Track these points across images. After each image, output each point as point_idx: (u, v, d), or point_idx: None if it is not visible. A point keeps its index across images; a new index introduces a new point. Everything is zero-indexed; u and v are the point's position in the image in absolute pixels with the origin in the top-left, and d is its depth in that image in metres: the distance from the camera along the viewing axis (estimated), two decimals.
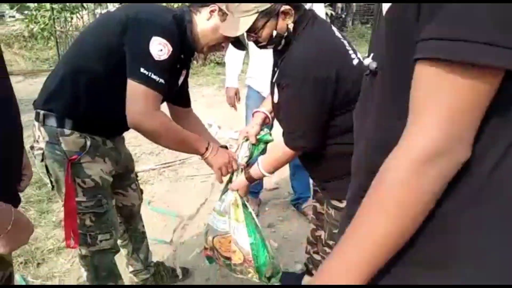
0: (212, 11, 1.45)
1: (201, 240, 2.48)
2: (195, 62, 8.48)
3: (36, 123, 1.45)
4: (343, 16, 18.88)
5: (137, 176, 1.91)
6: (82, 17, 8.61)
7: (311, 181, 2.36)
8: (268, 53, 1.59)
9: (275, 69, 1.46)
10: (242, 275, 1.64)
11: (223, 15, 1.43)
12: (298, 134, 1.39)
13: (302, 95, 1.30)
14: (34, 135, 1.47)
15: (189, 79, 1.75)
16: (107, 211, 1.56)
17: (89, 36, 1.46)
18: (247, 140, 1.62)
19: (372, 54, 0.77)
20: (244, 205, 1.58)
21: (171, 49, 1.33)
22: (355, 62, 1.37)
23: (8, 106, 0.89)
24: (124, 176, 1.77)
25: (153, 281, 2.07)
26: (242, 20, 1.27)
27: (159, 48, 1.30)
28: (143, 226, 2.01)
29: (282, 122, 1.48)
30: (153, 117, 1.35)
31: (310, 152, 1.47)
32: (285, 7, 1.29)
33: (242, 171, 1.60)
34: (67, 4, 8.29)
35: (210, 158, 1.56)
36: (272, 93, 1.51)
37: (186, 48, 1.48)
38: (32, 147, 1.49)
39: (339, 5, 18.96)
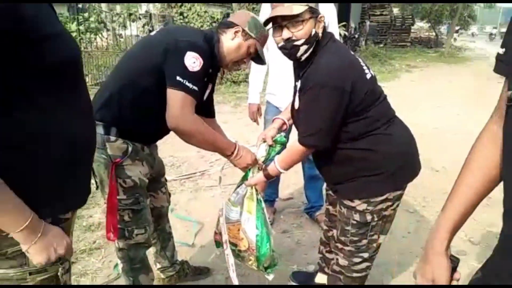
0: (236, 32, 1.68)
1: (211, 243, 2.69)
2: None
3: None
4: (356, 36, 19.18)
5: (166, 181, 2.12)
6: (105, 38, 9.07)
7: (324, 190, 2.54)
8: (286, 72, 1.80)
9: (298, 79, 1.63)
10: (242, 262, 1.82)
11: (246, 35, 1.67)
12: (311, 132, 1.53)
13: (320, 99, 1.47)
14: None
15: None
16: (143, 209, 1.76)
17: (133, 58, 1.69)
18: (264, 141, 1.82)
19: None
20: (259, 201, 1.75)
21: (202, 62, 1.54)
22: (368, 76, 1.56)
23: (91, 115, 1.11)
24: (156, 180, 1.96)
25: (178, 278, 2.25)
26: (295, 7, 1.43)
27: (193, 61, 1.51)
28: (170, 227, 2.20)
29: (299, 126, 1.65)
30: (189, 119, 1.55)
31: (325, 156, 1.65)
32: (321, 15, 1.50)
33: (259, 169, 1.78)
34: (91, 25, 8.72)
35: (237, 158, 1.75)
36: (293, 100, 1.68)
37: (213, 64, 1.70)
38: None
39: (352, 25, 19.30)
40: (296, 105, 1.62)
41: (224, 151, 1.74)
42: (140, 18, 8.42)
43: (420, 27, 27.23)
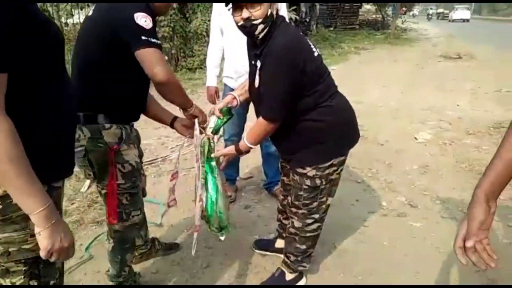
0: None
1: (186, 222, 2.87)
2: None
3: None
4: (307, 20, 19.55)
5: (142, 163, 2.21)
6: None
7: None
8: (241, 55, 1.96)
9: (257, 58, 1.77)
10: (206, 223, 1.98)
11: None
12: (271, 106, 1.70)
13: (278, 74, 1.65)
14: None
15: None
16: (139, 191, 1.89)
17: (85, 42, 1.70)
18: (213, 114, 1.97)
19: None
20: (211, 167, 1.88)
21: (150, 17, 1.58)
22: (316, 55, 1.77)
23: (72, 99, 1.24)
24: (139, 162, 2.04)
25: (149, 254, 2.41)
26: None
27: (144, 20, 1.55)
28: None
29: (261, 102, 1.80)
30: (169, 71, 1.62)
31: (280, 130, 1.81)
32: None
33: (209, 140, 1.91)
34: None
35: (194, 111, 1.89)
36: (253, 79, 1.83)
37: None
38: None
39: (303, 9, 19.61)
40: (257, 83, 1.79)
41: (187, 103, 1.85)
42: (89, 5, 8.17)
43: (368, 9, 28.13)
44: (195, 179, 1.89)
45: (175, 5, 9.45)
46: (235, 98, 2.03)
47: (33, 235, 1.11)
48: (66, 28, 9.09)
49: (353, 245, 2.58)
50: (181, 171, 3.75)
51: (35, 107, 1.07)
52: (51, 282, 1.24)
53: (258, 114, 1.86)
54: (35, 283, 1.19)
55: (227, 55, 2.86)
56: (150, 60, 1.56)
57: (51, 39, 1.09)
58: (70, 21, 8.73)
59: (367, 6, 27.24)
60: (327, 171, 1.87)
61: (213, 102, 2.99)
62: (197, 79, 8.27)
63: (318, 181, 1.88)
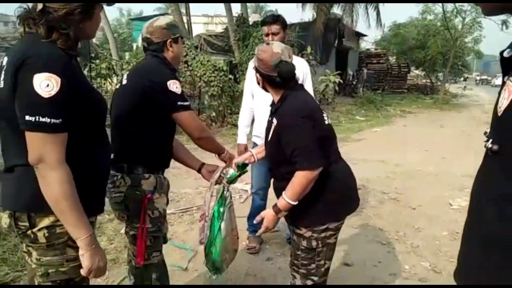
0: (169, 45, 2.00)
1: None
2: (213, 124, 9.36)
3: (119, 174, 1.95)
4: (354, 83, 20.04)
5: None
6: (114, 83, 9.72)
7: None
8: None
9: (272, 116, 2.01)
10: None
11: (175, 39, 2.01)
12: (307, 154, 1.78)
13: (297, 125, 1.81)
14: (114, 183, 1.96)
15: None
16: (161, 235, 2.11)
17: (119, 106, 2.03)
18: (230, 166, 2.23)
19: (491, 139, 0.96)
20: (218, 211, 2.11)
21: (178, 82, 1.91)
22: (326, 122, 1.96)
23: (108, 155, 1.55)
24: None
25: None
26: None
27: (175, 86, 1.87)
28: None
29: (272, 155, 2.02)
30: (203, 127, 2.01)
31: (281, 188, 1.93)
32: None
33: (224, 188, 2.16)
34: (102, 72, 9.37)
35: (226, 157, 2.20)
36: (268, 134, 2.03)
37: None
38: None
39: (350, 72, 20.19)
40: (269, 138, 2.00)
41: (221, 150, 2.19)
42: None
43: (417, 74, 28.30)
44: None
45: (225, 67, 10.25)
46: (252, 155, 2.26)
47: (68, 260, 1.37)
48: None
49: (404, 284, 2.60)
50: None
51: (81, 159, 1.36)
52: None
53: (270, 168, 2.06)
54: None
55: (256, 116, 3.16)
56: (188, 122, 1.94)
57: (97, 106, 1.42)
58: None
59: (416, 71, 27.42)
60: (323, 234, 1.93)
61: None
62: None
63: (314, 243, 1.94)
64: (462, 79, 33.09)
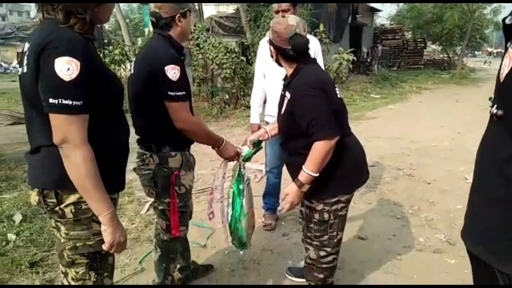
0: (178, 20, 2.00)
1: (227, 245, 3.12)
2: (227, 106, 9.41)
3: (148, 152, 2.06)
4: (369, 60, 19.71)
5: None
6: (128, 69, 9.83)
7: None
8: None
9: (284, 89, 2.04)
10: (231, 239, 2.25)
11: (184, 14, 2.00)
12: (323, 124, 1.80)
13: (312, 96, 1.84)
14: (144, 161, 2.08)
15: (221, 121, 2.44)
16: (188, 210, 2.21)
17: (132, 85, 2.07)
18: (245, 144, 2.25)
19: (495, 105, 1.01)
20: (238, 189, 2.16)
21: (179, 67, 1.89)
22: (339, 95, 2.00)
23: (127, 133, 1.62)
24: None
25: (193, 276, 2.63)
26: None
27: (173, 72, 1.87)
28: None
29: (284, 129, 2.06)
30: (188, 122, 1.97)
31: (293, 162, 2.01)
32: None
33: (240, 167, 2.19)
34: (115, 58, 9.46)
35: (222, 150, 2.17)
36: (281, 107, 2.07)
37: (180, 51, 2.05)
38: (135, 169, 2.17)
39: (365, 50, 19.84)
40: (282, 111, 2.04)
41: (214, 145, 2.17)
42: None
43: (434, 49, 27.62)
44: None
45: (237, 48, 10.21)
46: (266, 132, 2.30)
47: (95, 234, 1.46)
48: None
49: (382, 277, 2.67)
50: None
51: (100, 139, 1.42)
52: (105, 274, 1.58)
53: (282, 143, 2.12)
54: (94, 274, 1.52)
55: (268, 96, 3.20)
56: (173, 112, 1.94)
57: (114, 88, 1.49)
58: None
59: (432, 46, 26.76)
60: (334, 207, 2.00)
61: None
62: None
63: (326, 215, 2.01)
64: (481, 52, 32.21)
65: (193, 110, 2.17)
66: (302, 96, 1.89)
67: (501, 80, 0.97)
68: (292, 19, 1.93)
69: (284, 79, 2.12)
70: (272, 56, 2.06)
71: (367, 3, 17.09)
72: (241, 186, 2.16)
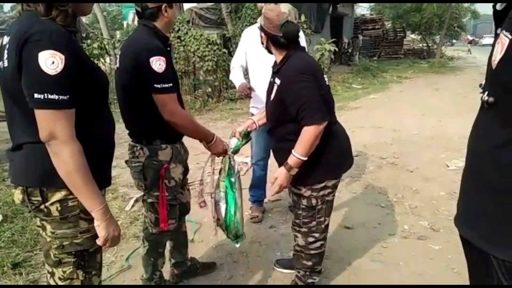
0: (165, 10, 1.95)
1: (215, 239, 3.12)
2: (210, 99, 9.35)
3: (138, 145, 2.05)
4: (350, 50, 19.81)
5: (187, 179, 2.47)
6: (108, 62, 9.64)
7: None
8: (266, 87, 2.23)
9: (274, 76, 2.05)
10: (223, 233, 2.25)
11: (169, 4, 1.96)
12: (314, 108, 1.82)
13: (301, 81, 1.86)
14: (134, 154, 2.06)
15: (205, 115, 2.41)
16: (177, 203, 2.19)
17: (119, 78, 2.03)
18: (234, 136, 2.24)
19: (487, 92, 1.02)
20: (230, 182, 2.14)
21: (164, 58, 1.83)
22: (326, 83, 2.02)
23: (112, 127, 1.58)
24: (184, 177, 2.28)
25: (189, 273, 2.60)
26: None
27: (158, 63, 1.81)
28: (185, 226, 2.56)
29: (273, 115, 2.06)
30: (177, 114, 1.92)
31: (280, 149, 2.04)
32: None
33: (230, 159, 2.17)
34: (94, 52, 9.26)
35: (212, 145, 2.13)
36: (270, 94, 2.07)
37: (165, 43, 2.00)
38: (126, 161, 2.15)
39: (346, 40, 19.93)
40: (272, 97, 2.04)
41: (204, 139, 2.12)
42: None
43: (413, 38, 27.95)
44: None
45: (218, 40, 10.12)
46: (254, 122, 2.30)
47: (82, 232, 1.43)
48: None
49: (369, 264, 2.71)
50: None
51: (86, 133, 1.38)
52: (93, 272, 1.54)
53: (270, 129, 2.13)
54: (81, 273, 1.49)
55: (254, 85, 3.17)
56: (162, 103, 1.90)
57: (99, 81, 1.45)
58: None
59: (412, 36, 27.08)
60: (321, 192, 2.04)
61: (248, 94, 3.09)
62: (238, 109, 8.69)
63: (314, 201, 2.05)
64: (459, 41, 32.67)
65: (183, 103, 2.13)
66: (293, 81, 1.90)
67: (493, 67, 0.97)
68: (284, 7, 1.94)
69: (273, 66, 2.13)
70: (262, 43, 2.07)
71: None
72: (232, 179, 2.15)
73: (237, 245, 2.24)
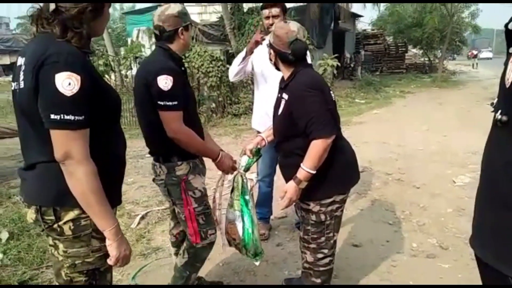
0: (181, 33, 2.04)
1: (222, 257, 3.09)
2: (214, 115, 9.39)
3: (157, 163, 2.11)
4: (352, 65, 19.93)
5: None
6: (113, 79, 9.75)
7: None
8: (270, 104, 2.26)
9: (281, 92, 2.09)
10: (240, 252, 2.23)
11: (186, 27, 2.05)
12: (322, 123, 1.87)
13: (310, 96, 1.90)
14: (156, 172, 2.14)
15: (209, 130, 2.44)
16: (211, 212, 2.20)
17: (136, 97, 2.14)
18: (245, 153, 2.25)
19: (500, 110, 1.01)
20: (245, 201, 2.14)
21: (172, 77, 1.90)
22: (333, 98, 2.05)
23: (123, 147, 1.59)
24: None
25: None
26: None
27: (164, 82, 1.90)
28: None
29: (281, 130, 2.09)
30: (180, 132, 1.97)
31: (287, 164, 2.06)
32: None
33: (242, 177, 2.18)
34: (99, 68, 9.38)
35: (219, 163, 2.17)
36: (277, 109, 2.11)
37: (180, 64, 2.10)
38: (154, 180, 2.20)
39: (348, 55, 20.06)
40: (279, 112, 2.07)
41: (209, 157, 2.16)
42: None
43: (415, 53, 28.13)
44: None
45: (222, 56, 10.21)
46: (263, 139, 2.32)
47: (94, 251, 1.43)
48: (126, 79, 10.14)
49: (378, 283, 2.67)
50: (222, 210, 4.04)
51: (101, 151, 1.39)
52: None
53: (277, 144, 2.14)
54: None
55: (256, 105, 3.22)
56: (165, 121, 1.96)
57: (112, 101, 1.46)
58: (129, 73, 9.73)
59: (413, 50, 27.26)
60: (330, 208, 2.05)
61: (260, 39, 2.95)
62: (242, 125, 8.71)
63: (322, 217, 2.06)
64: (461, 55, 32.73)
65: (198, 121, 2.20)
66: (301, 96, 1.94)
67: (507, 86, 0.98)
68: (294, 25, 2.01)
69: (280, 82, 2.18)
70: (270, 60, 2.12)
71: (348, 8, 17.33)
72: (247, 197, 2.16)
73: (257, 263, 2.24)
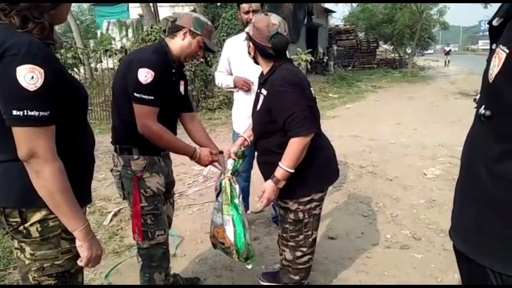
0: (184, 33, 2.00)
1: (198, 253, 3.06)
2: None
3: (115, 154, 2.06)
4: (325, 60, 20.14)
5: (173, 193, 2.45)
6: (82, 72, 9.44)
7: None
8: (250, 106, 2.21)
9: (260, 87, 2.03)
10: (229, 256, 2.20)
11: (193, 34, 2.00)
12: (301, 120, 1.80)
13: (288, 92, 1.84)
14: (114, 162, 2.08)
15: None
16: (162, 213, 2.13)
17: (115, 87, 2.05)
18: (229, 157, 2.18)
19: (483, 105, 1.01)
20: (235, 205, 2.09)
21: (153, 72, 1.85)
22: (313, 94, 2.02)
23: (92, 144, 1.52)
24: (167, 190, 2.26)
25: None
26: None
27: (144, 75, 1.83)
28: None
29: (259, 126, 2.04)
30: (151, 127, 1.90)
31: (265, 162, 2.03)
32: None
33: (230, 181, 2.11)
34: (68, 61, 9.05)
35: (197, 159, 2.12)
36: (256, 105, 2.05)
37: (172, 65, 2.02)
38: (111, 170, 2.13)
39: (321, 50, 20.25)
40: (258, 107, 2.03)
41: (184, 154, 2.10)
42: (116, 54, 8.84)
43: (386, 49, 28.70)
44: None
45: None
46: (245, 139, 2.25)
47: (63, 252, 1.36)
48: (96, 72, 9.84)
49: (354, 275, 2.70)
50: (196, 205, 4.00)
51: (69, 149, 1.32)
52: None
53: (256, 141, 2.11)
54: None
55: (236, 107, 3.19)
56: (137, 115, 1.91)
57: (78, 95, 1.39)
58: (99, 66, 9.44)
59: (384, 46, 27.81)
60: (308, 206, 2.02)
61: (248, 86, 2.94)
62: (216, 119, 8.64)
63: (300, 215, 2.03)
64: (431, 51, 33.51)
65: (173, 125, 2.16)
66: (280, 91, 1.87)
67: (490, 81, 0.98)
68: (275, 18, 1.93)
69: (259, 77, 2.12)
70: (249, 53, 2.04)
71: (321, 4, 17.48)
72: (236, 201, 2.11)
73: (249, 267, 2.19)
